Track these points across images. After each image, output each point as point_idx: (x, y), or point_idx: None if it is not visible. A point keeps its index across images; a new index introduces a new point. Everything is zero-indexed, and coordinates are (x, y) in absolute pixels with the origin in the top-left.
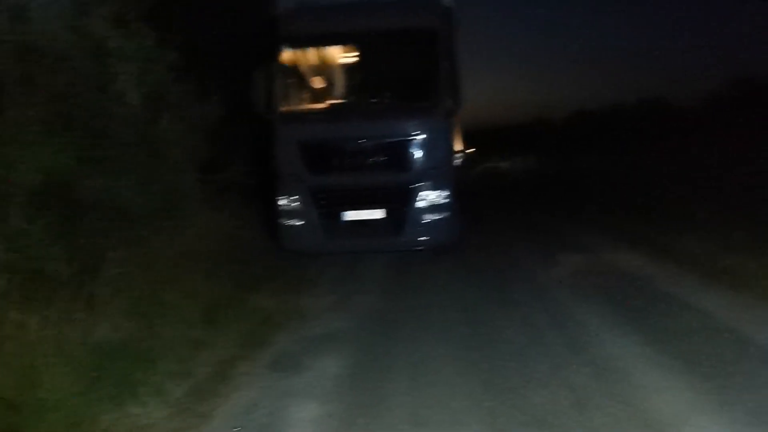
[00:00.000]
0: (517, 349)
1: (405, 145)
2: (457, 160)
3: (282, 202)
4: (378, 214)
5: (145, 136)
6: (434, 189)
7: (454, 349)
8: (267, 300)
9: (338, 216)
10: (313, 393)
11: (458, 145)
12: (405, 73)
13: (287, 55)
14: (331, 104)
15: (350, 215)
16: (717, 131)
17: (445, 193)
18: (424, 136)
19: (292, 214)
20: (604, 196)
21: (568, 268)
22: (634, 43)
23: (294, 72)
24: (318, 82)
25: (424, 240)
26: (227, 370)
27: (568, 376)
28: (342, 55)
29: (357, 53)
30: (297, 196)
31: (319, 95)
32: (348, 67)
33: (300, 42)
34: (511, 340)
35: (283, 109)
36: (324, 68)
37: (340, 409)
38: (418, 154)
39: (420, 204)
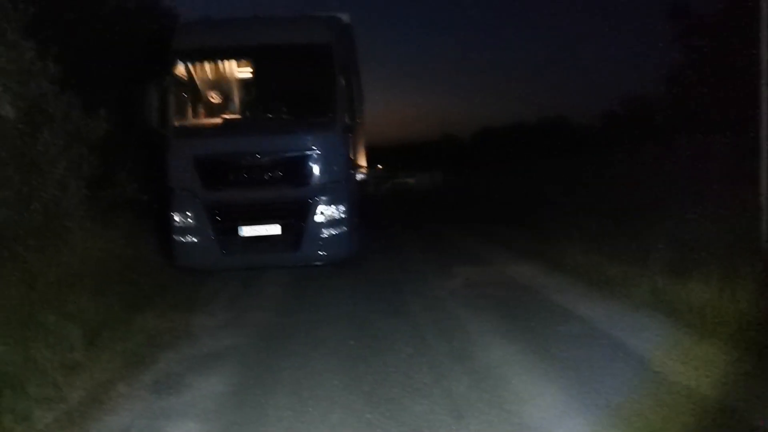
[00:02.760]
0: (403, 360)
1: (301, 160)
2: (358, 175)
3: (175, 218)
4: (274, 229)
5: (23, 151)
6: (331, 204)
7: (341, 362)
8: (155, 319)
9: (234, 232)
10: (192, 413)
11: (360, 161)
12: (301, 88)
13: (182, 68)
14: (227, 119)
15: (246, 231)
16: (611, 147)
17: (342, 207)
18: (320, 151)
19: (186, 230)
20: (505, 211)
21: (462, 279)
22: (536, 61)
23: (189, 86)
24: (213, 97)
25: (322, 255)
26: (103, 393)
27: (450, 386)
28: (238, 70)
29: (253, 68)
30: (191, 212)
31: (214, 110)
32: (244, 82)
33: (194, 56)
34: (398, 352)
35: (177, 123)
36: (219, 83)
37: (218, 428)
38: (314, 169)
39: (317, 219)
